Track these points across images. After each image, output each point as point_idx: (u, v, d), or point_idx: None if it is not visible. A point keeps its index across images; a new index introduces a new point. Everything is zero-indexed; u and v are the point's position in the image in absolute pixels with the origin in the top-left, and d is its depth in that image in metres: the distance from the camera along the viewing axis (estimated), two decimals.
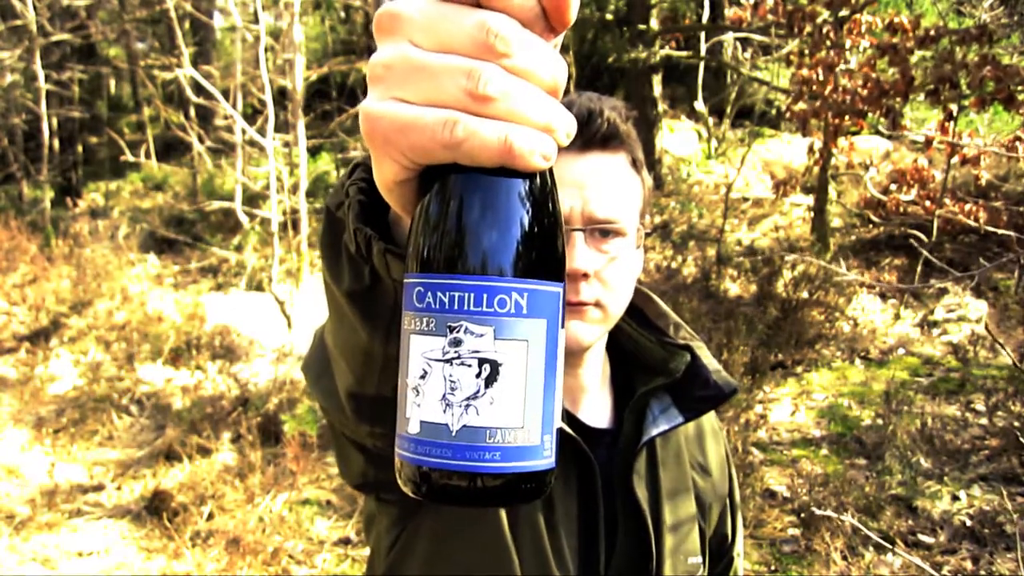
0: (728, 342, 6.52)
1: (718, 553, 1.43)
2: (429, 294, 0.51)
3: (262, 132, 8.34)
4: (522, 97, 0.49)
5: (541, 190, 0.54)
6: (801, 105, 8.40)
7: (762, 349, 6.93)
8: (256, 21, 8.58)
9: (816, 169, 9.53)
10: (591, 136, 1.16)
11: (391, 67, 0.50)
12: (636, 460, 1.22)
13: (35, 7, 12.13)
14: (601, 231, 1.16)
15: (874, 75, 7.94)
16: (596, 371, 1.28)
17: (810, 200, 10.61)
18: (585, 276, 1.14)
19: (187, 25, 14.83)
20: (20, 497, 5.46)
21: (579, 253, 1.13)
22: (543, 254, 0.53)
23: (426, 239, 0.52)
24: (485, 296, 0.50)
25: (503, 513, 1.12)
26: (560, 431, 1.11)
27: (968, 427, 5.82)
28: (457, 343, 0.50)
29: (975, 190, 9.22)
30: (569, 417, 1.23)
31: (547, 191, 0.55)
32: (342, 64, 17.52)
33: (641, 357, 1.32)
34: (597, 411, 1.29)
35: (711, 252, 9.59)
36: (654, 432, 1.22)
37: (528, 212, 0.52)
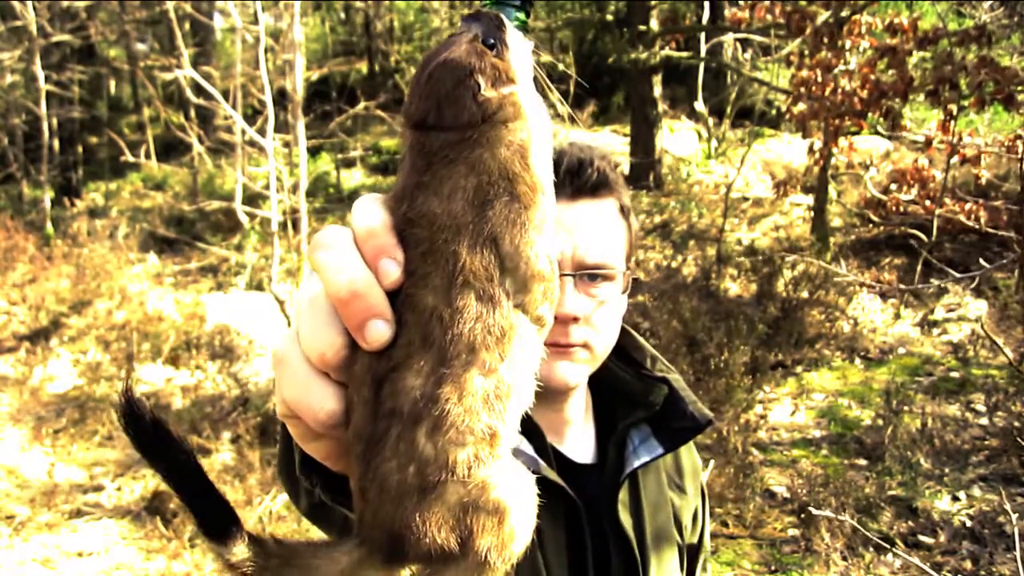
0: (728, 342, 6.51)
1: (689, 562, 1.50)
2: None
3: (262, 132, 8.34)
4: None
5: None
6: (801, 107, 8.39)
7: (762, 349, 6.93)
8: (256, 22, 8.57)
9: (816, 169, 9.52)
10: (582, 185, 1.23)
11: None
12: (620, 490, 1.30)
13: (35, 8, 12.12)
14: (590, 275, 1.23)
15: (873, 76, 7.94)
16: (580, 405, 1.36)
17: (810, 200, 10.61)
18: (575, 320, 1.20)
19: (187, 26, 14.82)
20: (20, 497, 5.46)
21: (568, 298, 1.20)
22: None
23: None
24: None
25: None
26: (545, 479, 1.18)
27: (968, 427, 5.82)
28: None
29: (975, 190, 9.21)
30: (555, 453, 1.29)
31: None
32: (342, 65, 17.53)
33: (621, 390, 1.38)
34: (582, 444, 1.37)
35: (711, 252, 9.59)
36: (636, 464, 1.31)
37: None
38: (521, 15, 0.70)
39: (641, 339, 1.42)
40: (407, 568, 0.66)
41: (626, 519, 1.29)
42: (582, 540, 1.24)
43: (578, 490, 1.25)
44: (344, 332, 0.63)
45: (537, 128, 0.68)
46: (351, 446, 0.64)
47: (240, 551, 0.65)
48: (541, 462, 1.20)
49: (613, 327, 1.29)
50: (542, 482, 1.18)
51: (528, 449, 1.22)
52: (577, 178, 1.23)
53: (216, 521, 0.65)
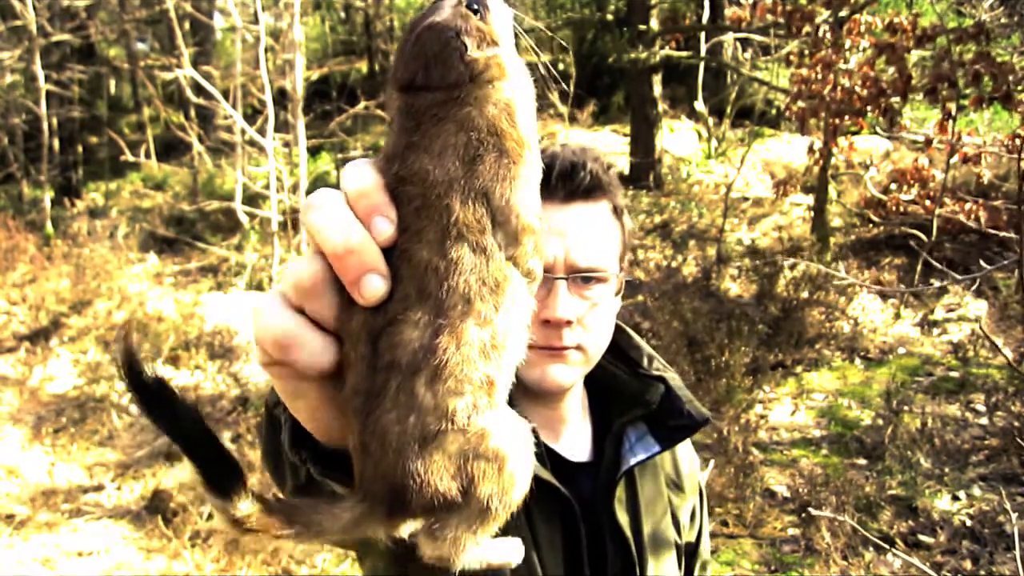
0: (729, 342, 6.51)
1: (686, 562, 1.50)
2: None
3: (262, 132, 8.34)
4: None
5: None
6: (800, 104, 8.39)
7: (762, 349, 6.93)
8: (256, 21, 8.58)
9: (816, 169, 9.52)
10: (575, 188, 1.25)
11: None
12: (617, 488, 1.30)
13: (35, 8, 12.12)
14: (583, 278, 1.23)
15: (872, 74, 7.94)
16: (576, 404, 1.37)
17: (810, 200, 10.60)
18: (568, 323, 1.22)
19: (187, 25, 14.81)
20: (20, 497, 5.46)
21: (561, 301, 1.21)
22: None
23: None
24: None
25: None
26: (539, 477, 1.18)
27: (968, 427, 5.82)
28: None
29: (975, 189, 9.21)
30: (549, 452, 1.29)
31: None
32: (342, 64, 17.53)
33: (618, 389, 1.39)
34: (578, 442, 1.37)
35: (711, 252, 9.59)
36: (632, 462, 1.31)
37: None
38: None
39: (638, 338, 1.42)
40: (409, 520, 0.65)
41: (623, 517, 1.29)
42: (577, 539, 1.24)
43: (574, 488, 1.25)
44: (326, 264, 0.63)
45: (522, 88, 0.70)
46: (349, 402, 0.64)
47: (244, 507, 0.65)
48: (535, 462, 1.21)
49: (606, 328, 1.30)
50: (535, 482, 1.20)
51: None
52: (570, 181, 1.24)
53: (221, 477, 0.65)
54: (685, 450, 1.49)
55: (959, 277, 3.21)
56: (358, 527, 0.66)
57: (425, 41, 0.66)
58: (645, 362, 1.38)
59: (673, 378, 1.36)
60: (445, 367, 0.61)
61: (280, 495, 0.67)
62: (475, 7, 0.68)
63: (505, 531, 1.18)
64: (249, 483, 0.66)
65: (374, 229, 0.63)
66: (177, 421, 0.65)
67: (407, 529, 0.66)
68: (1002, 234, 6.44)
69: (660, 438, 1.33)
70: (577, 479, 1.29)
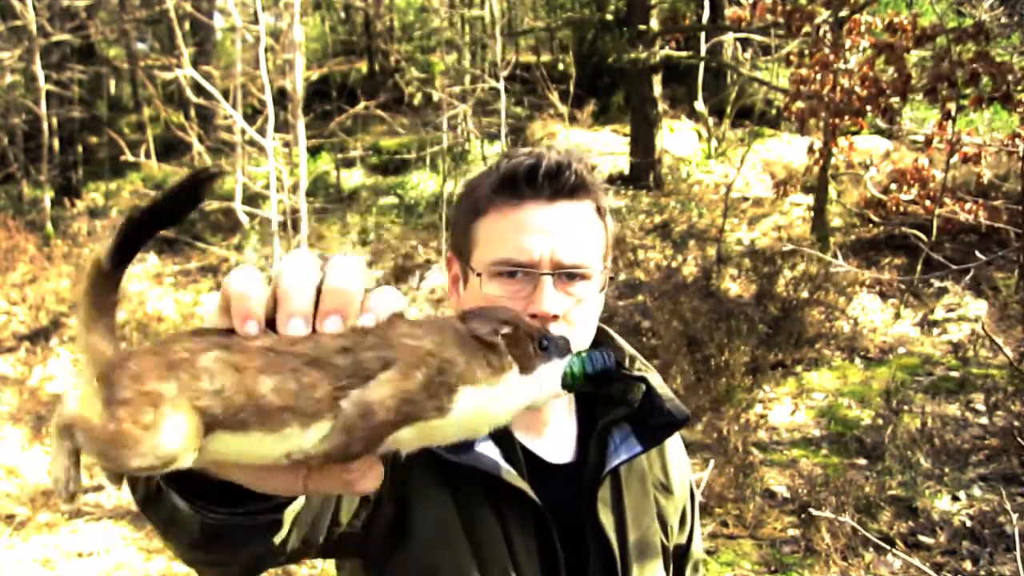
0: (728, 342, 6.51)
1: (677, 563, 1.50)
2: None
3: (262, 132, 8.34)
4: None
5: None
6: (799, 104, 8.40)
7: (762, 349, 6.93)
8: (256, 21, 8.58)
9: (816, 169, 9.52)
10: (560, 187, 1.26)
11: None
12: (600, 488, 1.30)
13: (35, 8, 12.12)
14: (568, 275, 1.25)
15: (872, 74, 7.95)
16: (561, 404, 1.38)
17: (810, 200, 10.60)
18: (555, 318, 1.23)
19: (187, 25, 14.81)
20: (20, 497, 5.46)
21: (547, 297, 1.22)
22: None
23: None
24: None
25: (474, 566, 1.20)
26: (508, 483, 1.21)
27: (968, 427, 5.82)
28: None
29: (975, 189, 9.22)
30: (526, 454, 1.29)
31: None
32: (342, 64, 17.53)
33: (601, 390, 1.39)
34: (561, 442, 1.37)
35: (711, 252, 9.59)
36: (616, 462, 1.32)
37: None
38: (578, 369, 0.76)
39: (620, 339, 1.43)
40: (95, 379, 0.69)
41: (606, 518, 1.29)
42: (553, 544, 1.24)
43: (553, 490, 1.26)
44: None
45: (489, 396, 0.71)
46: None
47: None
48: (503, 465, 1.22)
49: (591, 324, 1.32)
50: (507, 487, 1.22)
51: (494, 454, 1.23)
52: (555, 181, 1.26)
53: (124, 254, 0.71)
54: (675, 452, 1.48)
55: (955, 268, 3.23)
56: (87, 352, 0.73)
57: (504, 310, 0.76)
58: (627, 362, 1.38)
59: (654, 377, 1.37)
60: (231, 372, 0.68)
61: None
62: (545, 344, 0.75)
63: (479, 536, 1.21)
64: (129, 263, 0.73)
65: (327, 322, 0.68)
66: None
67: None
68: (999, 225, 6.45)
69: (642, 437, 1.34)
70: (557, 480, 1.29)
